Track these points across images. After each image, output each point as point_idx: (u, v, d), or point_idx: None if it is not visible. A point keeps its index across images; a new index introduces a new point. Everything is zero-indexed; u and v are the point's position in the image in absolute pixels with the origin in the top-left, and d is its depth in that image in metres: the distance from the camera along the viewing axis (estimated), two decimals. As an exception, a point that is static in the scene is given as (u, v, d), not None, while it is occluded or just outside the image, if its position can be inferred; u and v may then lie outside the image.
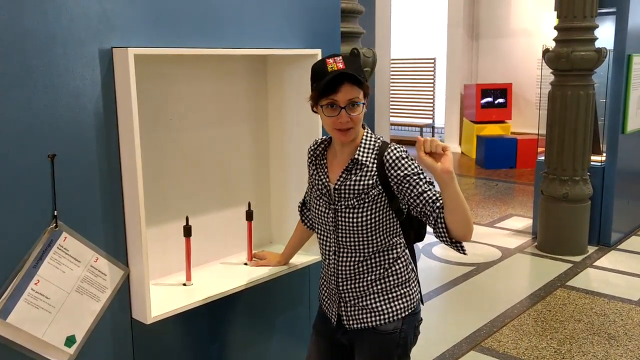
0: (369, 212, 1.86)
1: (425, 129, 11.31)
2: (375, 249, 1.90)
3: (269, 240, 2.59)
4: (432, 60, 11.17)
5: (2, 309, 1.63)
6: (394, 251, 1.93)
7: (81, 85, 1.74)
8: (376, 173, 1.85)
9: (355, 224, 1.87)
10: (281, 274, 2.31)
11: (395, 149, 1.86)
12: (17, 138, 1.62)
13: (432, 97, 11.36)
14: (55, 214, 1.72)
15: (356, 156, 1.87)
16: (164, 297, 2.04)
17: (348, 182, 1.87)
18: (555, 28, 5.08)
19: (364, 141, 1.89)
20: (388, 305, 1.92)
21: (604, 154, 5.50)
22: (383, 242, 1.90)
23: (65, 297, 1.76)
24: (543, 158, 5.43)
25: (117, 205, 1.87)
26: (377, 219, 1.86)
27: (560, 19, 5.02)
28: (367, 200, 1.85)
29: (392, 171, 1.82)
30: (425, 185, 1.78)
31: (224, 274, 2.27)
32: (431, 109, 11.38)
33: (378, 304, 1.92)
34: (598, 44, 4.95)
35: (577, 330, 3.84)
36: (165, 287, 2.13)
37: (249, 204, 2.34)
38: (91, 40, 1.75)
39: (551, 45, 5.15)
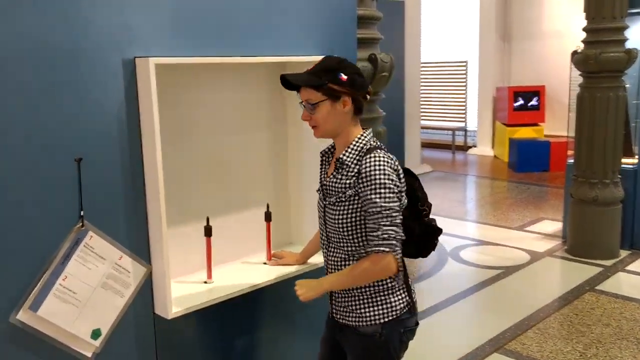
0: (345, 212, 1.92)
1: (458, 132, 11.24)
2: (355, 249, 1.94)
3: (289, 241, 2.67)
4: (464, 63, 11.10)
5: (33, 302, 1.75)
6: None
7: (106, 94, 1.86)
8: (355, 175, 1.90)
9: (335, 222, 1.95)
10: (300, 272, 2.38)
11: (375, 159, 1.87)
12: (46, 144, 1.75)
13: (464, 100, 11.29)
14: (82, 214, 1.83)
15: (341, 156, 1.95)
16: (186, 294, 2.14)
17: (333, 180, 1.96)
18: (584, 29, 5.03)
19: (354, 143, 1.95)
20: (367, 310, 1.97)
21: (637, 156, 5.41)
22: (363, 244, 1.93)
23: (91, 293, 1.88)
24: (573, 161, 5.37)
25: (140, 206, 1.98)
26: (353, 219, 1.91)
27: (589, 20, 4.97)
28: (343, 200, 1.92)
29: (362, 182, 1.87)
30: (378, 221, 1.83)
31: (244, 272, 2.35)
32: (463, 112, 11.31)
33: (358, 306, 1.98)
34: (629, 45, 4.88)
35: (605, 334, 3.80)
36: (187, 284, 2.23)
37: (267, 206, 2.42)
38: (115, 51, 1.86)
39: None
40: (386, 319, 1.96)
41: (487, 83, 10.50)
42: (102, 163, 1.87)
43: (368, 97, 2.00)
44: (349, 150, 1.94)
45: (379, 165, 1.85)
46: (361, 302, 1.97)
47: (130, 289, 1.99)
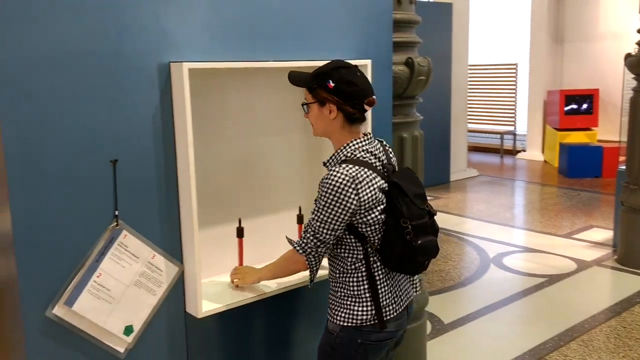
0: None
1: (507, 135, 11.00)
2: (330, 250, 2.04)
3: (322, 244, 2.68)
4: (514, 66, 10.86)
5: (68, 298, 1.82)
6: (346, 262, 1.99)
7: (141, 97, 1.91)
8: None
9: None
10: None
11: (336, 172, 1.87)
12: (83, 145, 1.81)
13: (513, 103, 11.04)
14: (117, 213, 1.90)
15: (324, 161, 2.03)
16: (217, 293, 2.18)
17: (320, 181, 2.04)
18: (639, 31, 4.85)
19: (339, 151, 1.99)
20: (335, 307, 2.04)
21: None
22: (334, 248, 2.01)
23: (125, 290, 1.94)
24: (624, 167, 5.18)
25: (173, 207, 2.03)
26: None
27: (644, 21, 4.79)
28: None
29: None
30: (308, 225, 1.95)
31: (275, 274, 2.37)
32: (513, 115, 11.07)
33: (331, 301, 2.06)
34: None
35: (654, 349, 3.65)
36: (219, 284, 2.27)
37: (300, 208, 2.44)
38: (150, 55, 1.91)
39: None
40: (345, 324, 2.00)
41: (537, 86, 10.23)
42: (136, 164, 1.93)
43: (368, 108, 1.95)
44: (332, 157, 2.00)
45: (335, 178, 1.86)
46: (334, 299, 2.04)
47: (163, 287, 2.04)
